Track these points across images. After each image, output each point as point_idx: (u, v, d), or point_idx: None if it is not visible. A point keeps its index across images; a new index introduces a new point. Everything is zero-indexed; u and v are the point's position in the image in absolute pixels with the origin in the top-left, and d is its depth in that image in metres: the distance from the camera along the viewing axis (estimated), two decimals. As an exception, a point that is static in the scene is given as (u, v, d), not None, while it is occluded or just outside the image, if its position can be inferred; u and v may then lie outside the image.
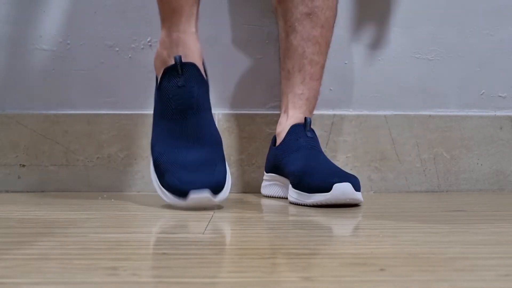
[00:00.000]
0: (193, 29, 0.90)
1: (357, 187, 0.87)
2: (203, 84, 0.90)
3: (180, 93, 0.88)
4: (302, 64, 0.99)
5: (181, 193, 0.80)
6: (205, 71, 0.92)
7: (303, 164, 0.92)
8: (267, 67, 1.13)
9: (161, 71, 0.90)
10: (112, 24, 1.11)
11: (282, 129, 1.00)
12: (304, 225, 0.74)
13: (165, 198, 0.84)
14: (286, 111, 1.01)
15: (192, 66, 0.88)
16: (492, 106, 1.14)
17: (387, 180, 1.12)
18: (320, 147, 0.98)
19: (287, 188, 0.95)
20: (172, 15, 0.89)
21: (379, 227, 0.72)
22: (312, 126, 0.99)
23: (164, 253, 0.57)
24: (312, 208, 0.87)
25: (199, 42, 0.91)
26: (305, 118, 0.98)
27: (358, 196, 0.86)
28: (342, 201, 0.85)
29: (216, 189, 0.81)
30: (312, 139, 0.97)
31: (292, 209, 0.88)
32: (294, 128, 0.98)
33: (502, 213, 0.86)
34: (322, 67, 1.01)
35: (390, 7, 1.14)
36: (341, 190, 0.85)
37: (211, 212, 0.80)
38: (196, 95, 0.88)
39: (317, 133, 1.10)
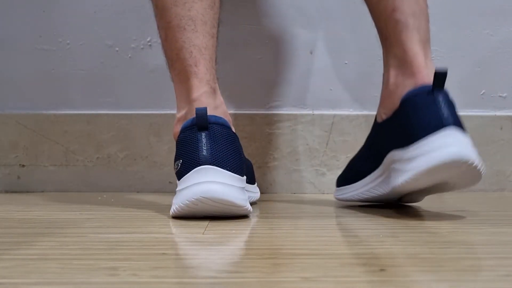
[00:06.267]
0: None
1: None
2: None
3: None
4: None
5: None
6: None
7: None
8: (267, 67, 1.12)
9: None
10: (112, 24, 1.11)
11: None
12: (304, 225, 0.74)
13: None
14: None
15: None
16: (492, 106, 1.14)
17: (387, 180, 1.11)
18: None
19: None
20: None
21: (379, 227, 0.71)
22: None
23: (164, 253, 0.57)
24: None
25: None
26: None
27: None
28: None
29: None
30: None
31: (292, 210, 0.88)
32: None
33: (503, 213, 0.86)
34: None
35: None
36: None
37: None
38: None
39: (317, 133, 1.10)
